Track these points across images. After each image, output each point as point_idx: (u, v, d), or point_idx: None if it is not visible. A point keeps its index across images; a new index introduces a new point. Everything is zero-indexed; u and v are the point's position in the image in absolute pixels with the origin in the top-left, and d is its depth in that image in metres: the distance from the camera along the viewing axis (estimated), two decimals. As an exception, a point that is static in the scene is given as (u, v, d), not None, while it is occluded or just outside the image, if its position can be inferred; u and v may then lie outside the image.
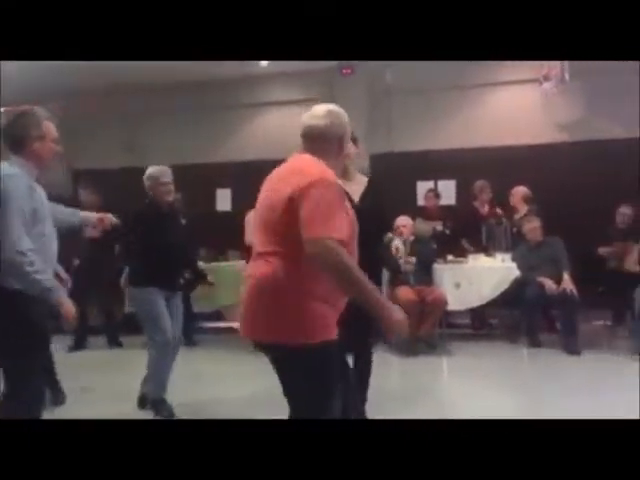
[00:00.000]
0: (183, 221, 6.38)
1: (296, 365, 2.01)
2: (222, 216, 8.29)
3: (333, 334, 2.04)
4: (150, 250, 3.80)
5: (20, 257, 2.40)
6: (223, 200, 8.59)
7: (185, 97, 8.30)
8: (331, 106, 2.24)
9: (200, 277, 4.76)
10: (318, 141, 2.16)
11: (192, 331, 6.29)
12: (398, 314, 2.01)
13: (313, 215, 1.93)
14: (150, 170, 3.95)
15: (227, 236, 6.78)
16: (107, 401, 4.15)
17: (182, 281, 4.27)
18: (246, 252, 5.85)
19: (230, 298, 6.42)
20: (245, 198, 5.78)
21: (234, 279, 6.20)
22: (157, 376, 3.82)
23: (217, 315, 7.41)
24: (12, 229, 2.40)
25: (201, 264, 6.76)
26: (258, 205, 2.17)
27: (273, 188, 2.09)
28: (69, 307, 2.56)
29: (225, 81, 8.03)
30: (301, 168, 2.06)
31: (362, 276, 1.94)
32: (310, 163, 2.09)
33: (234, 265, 6.45)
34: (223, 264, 6.83)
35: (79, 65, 4.69)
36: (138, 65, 4.92)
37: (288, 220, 1.97)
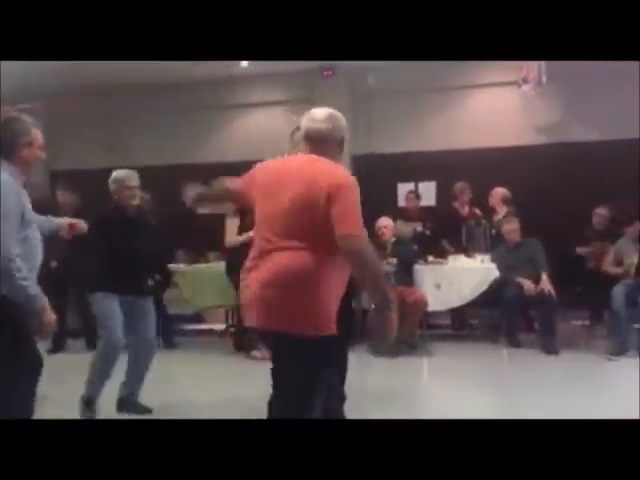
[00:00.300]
0: (153, 222, 6.37)
1: (300, 354, 2.11)
2: (202, 217, 8.23)
3: (335, 328, 2.15)
4: (114, 255, 3.74)
5: (9, 263, 2.42)
6: (204, 202, 8.54)
7: (166, 98, 8.24)
8: (330, 110, 2.33)
9: (168, 280, 4.70)
10: (320, 144, 2.26)
11: (171, 334, 6.25)
12: (396, 318, 2.14)
13: (349, 213, 2.09)
14: (115, 173, 3.89)
15: (207, 238, 6.75)
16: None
17: (152, 283, 4.23)
18: (226, 253, 5.83)
19: (211, 300, 6.41)
20: (226, 199, 5.80)
21: (214, 281, 6.20)
22: (93, 374, 3.73)
23: (197, 317, 7.39)
24: (3, 235, 2.41)
25: (182, 266, 6.78)
26: (271, 201, 2.19)
27: (296, 187, 2.14)
28: (51, 315, 2.59)
29: (206, 82, 7.99)
30: (326, 169, 2.17)
31: (383, 274, 2.21)
32: (332, 164, 2.20)
33: (214, 267, 6.42)
34: (203, 266, 6.79)
35: (59, 65, 4.63)
36: (118, 65, 4.87)
37: (318, 218, 2.09)
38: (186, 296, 6.39)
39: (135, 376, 3.88)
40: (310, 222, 2.11)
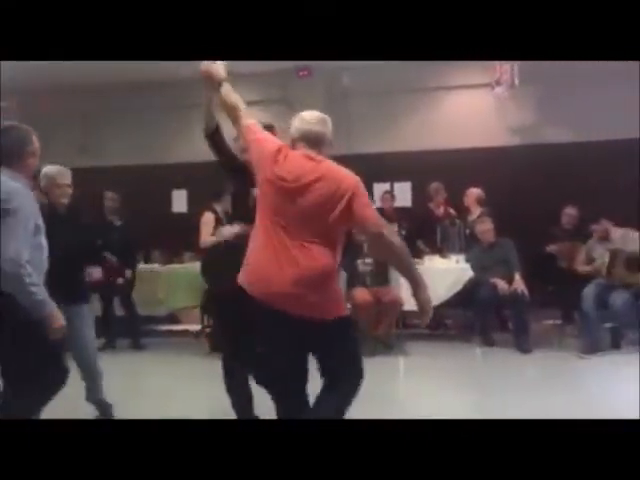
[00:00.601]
0: (118, 222, 6.28)
1: (340, 332, 2.39)
2: (178, 217, 8.18)
3: None
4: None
5: (19, 269, 2.45)
6: (179, 201, 8.48)
7: (141, 97, 8.16)
8: (320, 112, 2.50)
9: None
10: (318, 145, 2.42)
11: (138, 335, 6.18)
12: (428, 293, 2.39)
13: (369, 204, 2.36)
14: (46, 169, 3.67)
15: (183, 238, 6.70)
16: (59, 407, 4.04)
17: (122, 281, 3.97)
18: (201, 254, 5.78)
19: (186, 300, 6.36)
20: (201, 199, 5.76)
21: (189, 281, 6.15)
22: None
23: (172, 318, 7.33)
24: (17, 241, 2.46)
25: (156, 266, 6.72)
26: (294, 197, 2.30)
27: (325, 187, 2.30)
28: (59, 321, 2.60)
29: (182, 81, 7.88)
30: (337, 169, 2.38)
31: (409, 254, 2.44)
32: (337, 165, 2.41)
33: (189, 267, 6.38)
34: (178, 266, 6.75)
35: (33, 63, 4.55)
36: (93, 65, 4.81)
37: (338, 215, 2.29)
38: (160, 297, 6.34)
39: (89, 381, 3.76)
40: (331, 220, 2.29)
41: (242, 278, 2.38)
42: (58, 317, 2.60)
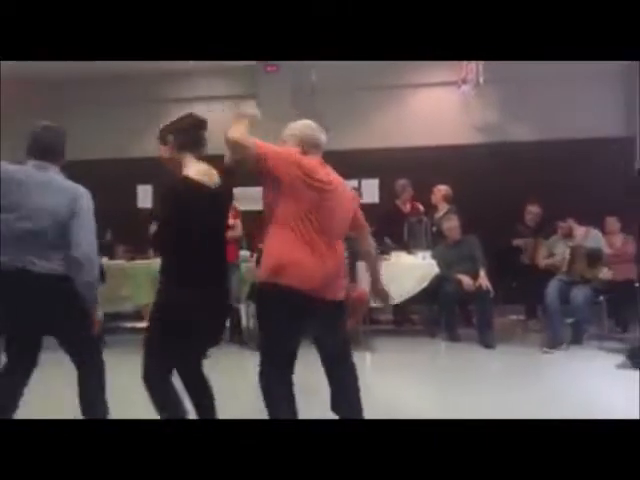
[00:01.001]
0: None
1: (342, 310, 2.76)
2: (143, 213, 8.07)
3: None
4: None
5: (93, 263, 2.65)
6: (144, 197, 8.37)
7: (106, 90, 8.04)
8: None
9: None
10: (319, 153, 2.69)
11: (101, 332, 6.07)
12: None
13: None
14: None
15: (147, 234, 6.61)
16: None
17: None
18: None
19: (150, 297, 6.25)
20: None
21: (154, 278, 6.05)
22: None
23: (138, 315, 7.23)
24: (91, 237, 2.67)
25: (121, 262, 6.61)
26: (329, 205, 2.57)
27: (343, 190, 2.68)
28: (99, 316, 2.80)
29: (147, 75, 7.82)
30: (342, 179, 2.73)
31: None
32: None
33: (153, 263, 6.29)
34: (143, 262, 6.65)
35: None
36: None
37: (350, 215, 2.74)
38: (124, 293, 6.25)
39: None
40: (348, 220, 2.71)
41: (274, 274, 2.49)
42: (100, 314, 2.79)
